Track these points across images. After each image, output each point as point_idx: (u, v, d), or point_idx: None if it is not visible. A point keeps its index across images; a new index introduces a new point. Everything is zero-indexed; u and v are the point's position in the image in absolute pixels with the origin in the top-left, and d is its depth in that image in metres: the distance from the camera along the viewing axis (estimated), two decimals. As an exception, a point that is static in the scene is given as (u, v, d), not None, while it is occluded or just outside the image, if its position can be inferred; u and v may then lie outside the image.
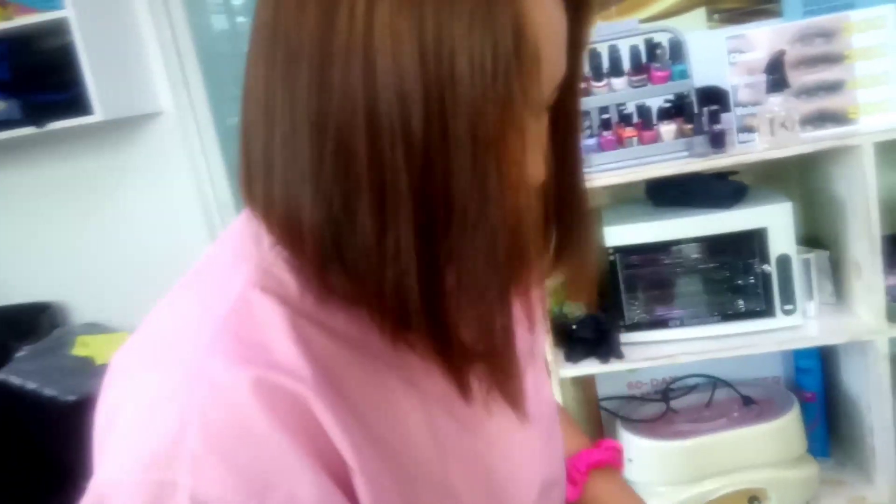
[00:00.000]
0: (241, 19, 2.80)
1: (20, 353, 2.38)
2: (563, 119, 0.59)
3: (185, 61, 2.52)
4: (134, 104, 2.37)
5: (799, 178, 1.93)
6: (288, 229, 0.47)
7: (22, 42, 2.29)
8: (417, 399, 0.55)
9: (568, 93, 0.56)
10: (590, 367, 1.75)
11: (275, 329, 0.48)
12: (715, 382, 1.87)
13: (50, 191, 2.57)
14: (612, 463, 0.89)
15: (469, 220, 0.44)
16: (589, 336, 1.76)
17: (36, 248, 2.63)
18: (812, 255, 1.73)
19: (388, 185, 0.43)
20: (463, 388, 0.51)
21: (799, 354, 1.87)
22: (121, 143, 2.50)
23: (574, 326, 1.79)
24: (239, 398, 0.44)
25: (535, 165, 0.51)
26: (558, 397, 1.91)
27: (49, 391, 2.27)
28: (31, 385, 2.28)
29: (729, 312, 1.72)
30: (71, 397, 2.24)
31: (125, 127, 2.44)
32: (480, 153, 0.43)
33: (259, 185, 0.48)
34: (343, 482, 0.48)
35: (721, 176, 1.77)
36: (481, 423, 0.60)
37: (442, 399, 0.56)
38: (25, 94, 2.23)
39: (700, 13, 2.21)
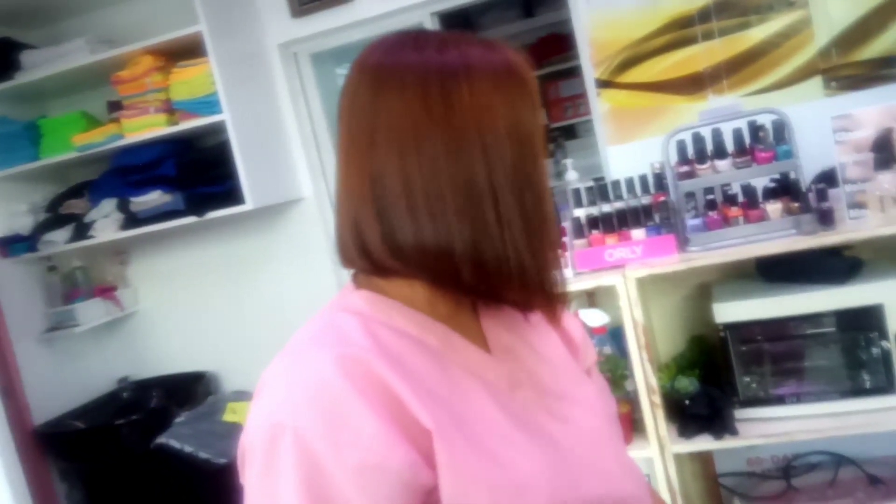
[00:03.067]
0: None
1: (179, 419, 2.71)
2: None
3: (322, 150, 2.85)
4: (280, 193, 2.70)
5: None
6: (441, 260, 0.72)
7: (185, 142, 2.69)
8: (480, 383, 0.76)
9: None
10: (703, 443, 1.82)
11: (351, 329, 0.73)
12: (839, 460, 1.87)
13: (206, 272, 2.95)
14: None
15: (546, 217, 0.76)
16: (702, 412, 1.83)
17: (194, 323, 3.00)
18: (935, 331, 1.73)
19: (501, 204, 0.72)
20: (555, 317, 0.81)
21: (929, 434, 1.84)
22: (268, 228, 2.84)
23: (687, 402, 1.86)
24: (325, 368, 0.68)
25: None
26: (673, 473, 1.98)
27: (203, 454, 2.57)
28: (188, 449, 2.59)
29: (847, 389, 1.74)
30: (222, 460, 2.52)
31: (272, 213, 2.78)
32: (539, 168, 0.75)
33: (407, 237, 0.73)
34: (424, 447, 0.68)
35: (834, 252, 1.82)
36: (536, 412, 0.80)
37: (500, 385, 0.77)
38: (188, 188, 2.61)
39: (816, 82, 2.26)
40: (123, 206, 2.67)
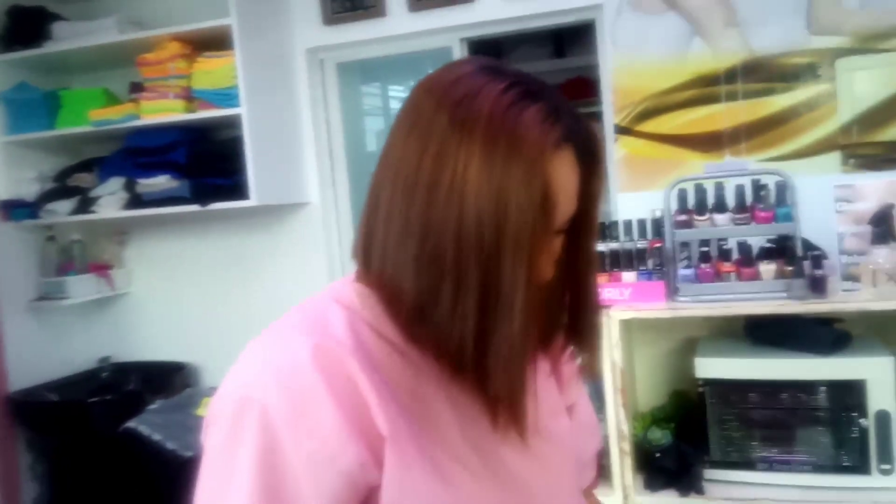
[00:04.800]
0: (388, 123, 3.19)
1: (152, 406, 2.73)
2: (581, 241, 0.85)
3: (336, 160, 2.91)
4: (286, 194, 2.75)
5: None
6: (392, 292, 0.76)
7: (199, 132, 2.77)
8: (450, 404, 0.78)
9: (583, 226, 0.83)
10: (668, 498, 1.82)
11: (336, 321, 0.76)
12: (805, 536, 1.87)
13: (203, 264, 3.00)
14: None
15: (508, 302, 0.73)
16: (671, 466, 1.84)
17: (183, 312, 3.04)
18: (916, 416, 1.73)
19: (462, 276, 0.72)
20: (492, 410, 0.77)
21: (899, 521, 1.84)
22: (270, 228, 2.89)
23: (657, 454, 1.87)
24: (301, 355, 0.71)
25: (546, 269, 0.80)
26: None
27: (171, 444, 2.59)
28: (156, 437, 2.62)
29: (821, 463, 1.75)
30: (188, 453, 2.55)
31: (276, 213, 2.84)
32: (518, 261, 0.73)
33: (376, 261, 0.77)
34: (376, 450, 0.71)
35: (825, 322, 1.83)
36: (498, 439, 0.80)
37: (471, 408, 0.78)
38: (196, 177, 2.67)
39: (834, 157, 2.29)
40: (130, 186, 2.74)
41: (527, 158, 0.72)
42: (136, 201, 2.73)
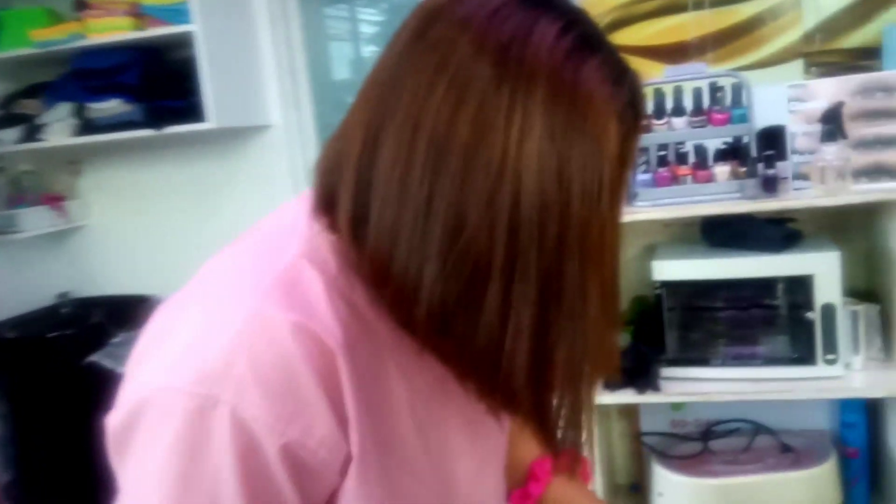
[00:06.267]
0: (358, 48, 3.20)
1: (116, 340, 2.75)
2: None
3: (298, 81, 2.89)
4: (245, 116, 2.75)
5: (859, 231, 2.05)
6: (401, 290, 0.59)
7: (151, 52, 2.74)
8: (406, 390, 0.66)
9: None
10: (626, 396, 1.94)
11: (316, 293, 0.61)
12: (757, 428, 2.00)
13: (162, 192, 3.00)
14: (574, 468, 1.02)
15: (577, 314, 0.60)
16: (629, 366, 1.95)
17: (144, 243, 3.05)
18: (861, 308, 1.85)
19: (519, 276, 0.57)
20: (551, 446, 0.67)
21: (845, 409, 1.98)
22: (230, 152, 2.89)
23: (617, 355, 1.98)
24: (283, 337, 0.57)
25: (614, 268, 0.66)
26: (602, 428, 2.11)
27: (135, 376, 2.66)
28: (121, 369, 2.68)
29: (770, 356, 1.87)
30: (155, 382, 2.61)
31: (236, 137, 2.84)
32: (587, 258, 0.59)
33: (373, 238, 0.60)
34: (346, 460, 0.61)
35: (778, 222, 1.94)
36: (447, 422, 0.73)
37: (424, 392, 0.68)
38: (149, 100, 2.65)
39: (797, 65, 2.37)
40: (79, 112, 2.70)
41: (594, 126, 0.60)
42: (87, 127, 2.70)
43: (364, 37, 3.13)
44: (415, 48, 0.61)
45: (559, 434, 0.67)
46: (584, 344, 0.62)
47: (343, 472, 0.62)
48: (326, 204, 0.65)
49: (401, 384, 0.66)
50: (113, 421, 0.61)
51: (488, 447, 0.81)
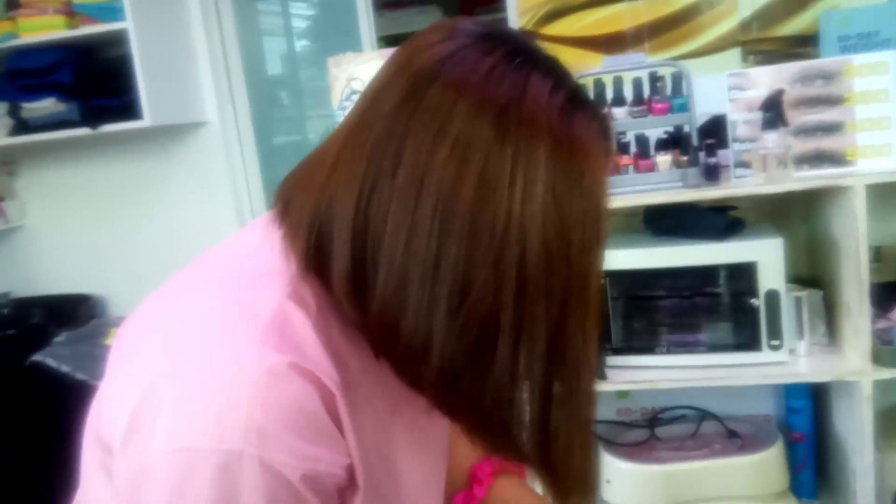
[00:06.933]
0: (291, 43, 3.17)
1: (58, 339, 2.72)
2: None
3: (233, 77, 2.86)
4: (181, 112, 2.71)
5: (801, 218, 2.07)
6: (408, 350, 0.60)
7: (85, 50, 2.68)
8: (371, 417, 0.68)
9: None
10: (575, 386, 1.94)
11: (307, 335, 0.62)
12: (703, 415, 2.02)
13: (100, 191, 2.95)
14: (514, 468, 1.06)
15: (581, 364, 0.62)
16: (577, 357, 1.95)
17: (83, 242, 3.00)
18: (804, 294, 1.87)
19: (527, 331, 0.60)
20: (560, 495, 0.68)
21: (790, 394, 2.00)
22: (167, 149, 2.85)
23: (564, 347, 1.98)
24: (291, 380, 0.58)
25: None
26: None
27: (80, 375, 2.60)
28: (65, 368, 2.62)
29: (715, 343, 1.88)
30: (99, 382, 2.56)
31: (172, 135, 2.79)
32: (585, 310, 0.62)
33: (379, 300, 0.60)
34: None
35: (719, 210, 1.95)
36: (397, 438, 0.74)
37: (384, 416, 0.70)
38: (84, 99, 2.61)
39: (734, 54, 2.39)
40: (13, 112, 2.66)
41: (591, 179, 0.62)
42: (21, 126, 2.66)
43: (296, 31, 3.10)
44: (411, 110, 0.61)
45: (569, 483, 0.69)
46: (589, 388, 0.64)
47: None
48: (315, 257, 0.64)
49: (368, 412, 0.67)
50: (122, 478, 0.61)
51: (432, 455, 0.81)
